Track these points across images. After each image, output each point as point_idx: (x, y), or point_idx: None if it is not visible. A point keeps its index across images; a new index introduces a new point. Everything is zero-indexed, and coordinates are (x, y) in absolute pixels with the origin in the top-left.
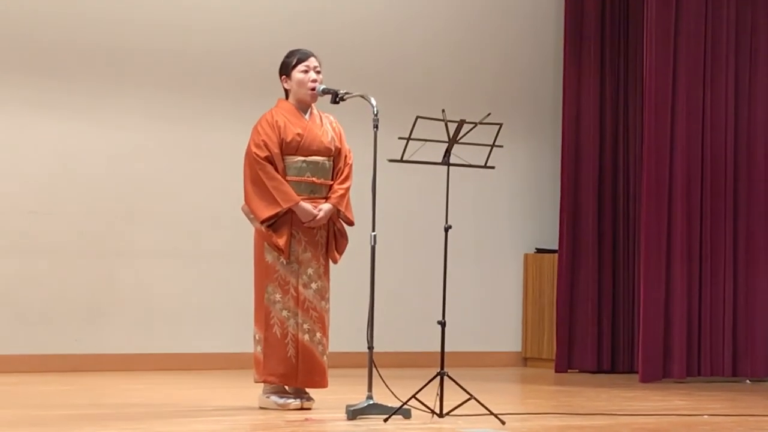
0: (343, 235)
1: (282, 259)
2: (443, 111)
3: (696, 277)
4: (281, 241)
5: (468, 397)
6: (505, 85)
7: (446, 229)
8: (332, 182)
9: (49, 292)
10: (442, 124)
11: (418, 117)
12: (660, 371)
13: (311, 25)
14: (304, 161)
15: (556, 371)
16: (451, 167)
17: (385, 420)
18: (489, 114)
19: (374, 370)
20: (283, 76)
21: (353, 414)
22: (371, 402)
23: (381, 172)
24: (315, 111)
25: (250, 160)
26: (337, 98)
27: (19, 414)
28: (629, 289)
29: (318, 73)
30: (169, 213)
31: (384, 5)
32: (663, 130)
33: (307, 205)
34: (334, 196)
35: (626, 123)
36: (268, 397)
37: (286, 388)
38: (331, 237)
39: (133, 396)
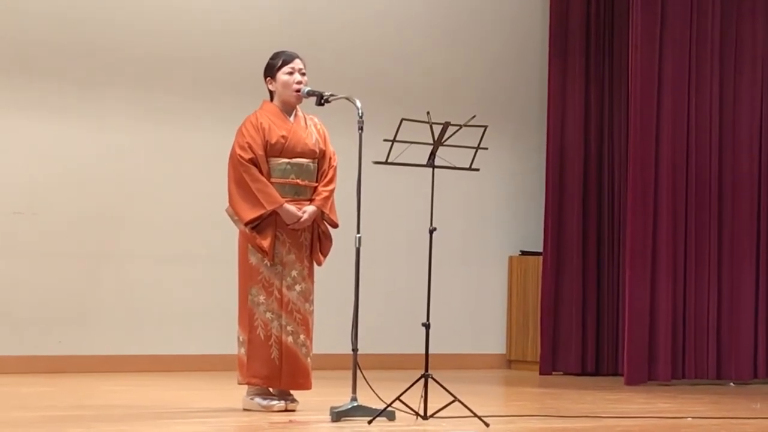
0: (328, 237)
1: (266, 261)
2: (428, 113)
3: (681, 280)
4: (265, 243)
5: (452, 399)
6: (492, 88)
7: (431, 232)
8: (317, 184)
9: (33, 293)
10: (428, 126)
11: (403, 119)
12: (645, 374)
13: (297, 28)
14: (288, 163)
15: (541, 373)
16: (436, 169)
17: (369, 422)
18: (474, 116)
19: (359, 371)
20: (268, 78)
21: (337, 416)
22: (355, 404)
23: (366, 174)
24: (300, 113)
25: (235, 162)
26: (322, 100)
27: (0, 416)
28: (614, 292)
29: (303, 75)
30: (153, 214)
31: (372, 10)
32: (648, 135)
33: (291, 208)
34: (318, 198)
35: (611, 127)
36: (252, 399)
37: (270, 389)
38: (315, 239)
39: (116, 397)
